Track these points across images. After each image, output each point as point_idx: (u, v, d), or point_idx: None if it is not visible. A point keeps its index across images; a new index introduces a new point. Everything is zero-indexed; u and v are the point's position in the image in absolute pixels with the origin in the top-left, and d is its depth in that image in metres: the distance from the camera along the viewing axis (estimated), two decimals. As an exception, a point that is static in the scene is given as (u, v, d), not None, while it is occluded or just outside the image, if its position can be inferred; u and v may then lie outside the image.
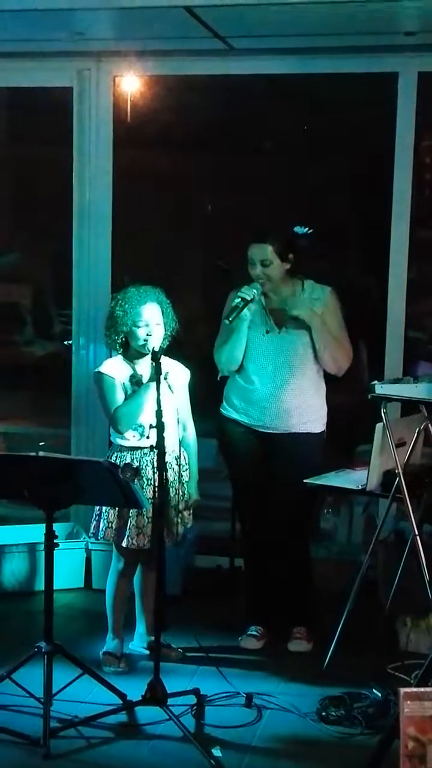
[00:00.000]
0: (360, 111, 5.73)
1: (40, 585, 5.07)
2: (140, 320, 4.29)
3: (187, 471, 4.44)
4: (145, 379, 4.30)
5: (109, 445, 4.51)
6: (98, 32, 5.01)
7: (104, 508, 4.32)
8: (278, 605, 4.75)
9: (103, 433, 5.25)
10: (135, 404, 4.26)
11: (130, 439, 4.32)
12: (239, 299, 4.45)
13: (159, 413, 3.89)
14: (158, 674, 3.85)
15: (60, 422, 5.89)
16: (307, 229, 4.58)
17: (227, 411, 4.67)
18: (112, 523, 4.32)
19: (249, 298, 4.46)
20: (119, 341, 4.36)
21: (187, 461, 4.45)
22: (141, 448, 4.32)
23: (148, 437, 4.19)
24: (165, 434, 3.93)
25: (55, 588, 3.90)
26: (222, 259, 5.25)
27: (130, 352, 4.37)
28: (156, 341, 4.27)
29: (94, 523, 4.38)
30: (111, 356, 4.51)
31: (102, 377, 4.34)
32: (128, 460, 4.28)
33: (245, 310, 4.47)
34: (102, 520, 4.33)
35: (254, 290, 4.48)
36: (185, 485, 4.41)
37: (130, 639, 4.60)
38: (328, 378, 4.68)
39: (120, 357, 4.39)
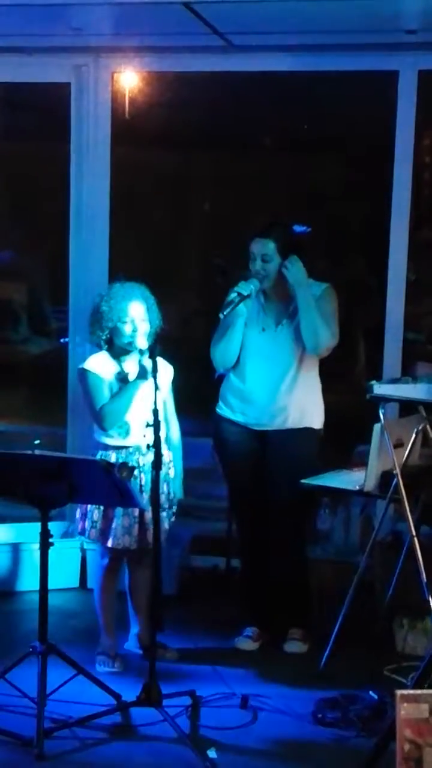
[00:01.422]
0: (360, 109, 5.71)
1: (26, 585, 5.08)
2: (126, 317, 4.26)
3: (172, 469, 4.42)
4: (131, 377, 4.27)
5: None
6: (96, 27, 4.98)
7: (89, 507, 4.29)
8: (275, 606, 4.73)
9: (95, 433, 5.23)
10: (121, 402, 4.24)
11: (115, 437, 4.29)
12: (235, 294, 4.43)
13: (156, 411, 3.86)
14: (153, 675, 3.82)
15: (56, 420, 5.87)
16: (304, 227, 4.57)
17: (223, 410, 4.64)
18: (96, 522, 4.29)
19: (245, 294, 4.43)
20: (104, 338, 4.33)
21: (171, 460, 4.42)
22: (126, 447, 4.29)
23: (144, 435, 4.16)
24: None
25: (49, 587, 3.87)
26: (220, 258, 5.23)
27: (115, 348, 4.34)
28: (141, 338, 4.24)
29: (80, 522, 4.35)
30: (95, 353, 4.46)
31: (87, 374, 4.31)
32: (113, 459, 4.24)
33: (242, 306, 4.45)
34: (87, 520, 4.31)
35: (251, 286, 4.46)
36: (170, 484, 4.38)
37: (124, 639, 4.57)
38: (326, 378, 4.65)
39: (105, 353, 4.36)
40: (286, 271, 4.44)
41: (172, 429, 4.45)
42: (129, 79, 5.64)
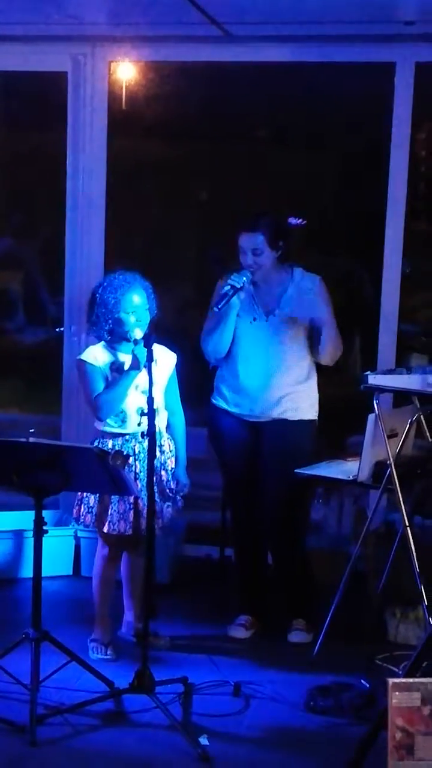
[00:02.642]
0: (357, 101, 5.70)
1: (26, 572, 5.08)
2: (130, 307, 4.26)
3: (172, 458, 4.43)
4: (126, 366, 4.28)
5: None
6: (94, 16, 4.97)
7: (85, 493, 4.30)
8: (268, 595, 4.75)
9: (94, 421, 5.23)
10: (116, 391, 4.25)
11: (112, 425, 4.31)
12: (229, 287, 4.43)
13: (151, 400, 3.87)
14: (146, 662, 3.84)
15: (51, 410, 5.88)
16: (299, 220, 4.57)
17: (217, 401, 4.65)
18: (92, 508, 4.31)
19: (238, 286, 4.43)
20: (107, 328, 4.33)
21: (172, 448, 4.43)
22: (123, 435, 4.30)
23: (139, 423, 4.17)
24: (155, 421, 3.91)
25: (43, 575, 3.88)
26: (215, 248, 5.24)
27: (114, 338, 4.34)
28: (141, 327, 4.25)
29: (76, 508, 4.37)
30: (92, 343, 4.48)
31: (84, 364, 4.32)
32: (110, 446, 4.25)
33: (234, 298, 4.45)
34: (83, 506, 4.32)
35: (243, 278, 4.46)
36: (169, 472, 4.39)
37: (118, 626, 4.59)
38: (321, 369, 4.66)
39: (102, 344, 4.37)
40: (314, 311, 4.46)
41: (177, 417, 4.47)
42: (126, 69, 5.64)
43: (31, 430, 3.76)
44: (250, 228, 4.47)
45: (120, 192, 5.67)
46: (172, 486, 4.41)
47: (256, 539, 4.72)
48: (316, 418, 4.64)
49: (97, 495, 4.28)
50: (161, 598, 4.66)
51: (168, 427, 4.44)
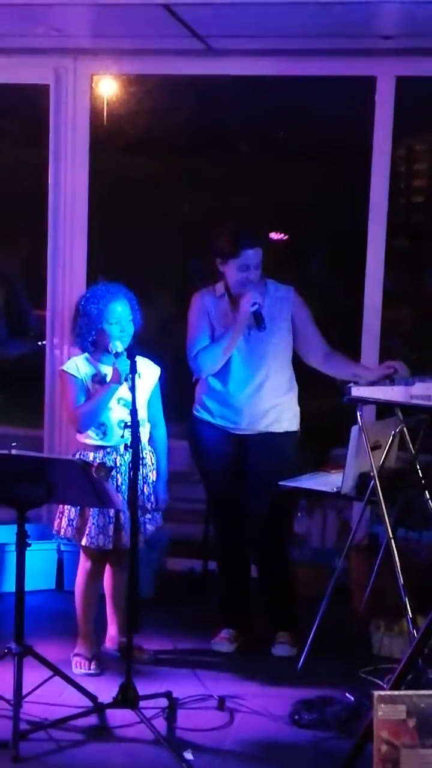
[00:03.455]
0: (338, 116, 5.73)
1: (8, 586, 5.04)
2: (113, 318, 4.25)
3: (154, 471, 4.41)
4: (108, 378, 4.26)
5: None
6: (76, 29, 4.98)
7: (67, 506, 4.28)
8: (252, 608, 4.73)
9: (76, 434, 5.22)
10: (96, 404, 4.23)
11: (94, 437, 4.29)
12: (257, 305, 4.39)
13: (134, 412, 3.85)
14: (130, 676, 3.81)
15: (33, 423, 5.85)
16: (281, 234, 4.57)
17: (200, 413, 4.63)
18: (73, 521, 4.28)
19: (260, 300, 4.42)
20: (90, 339, 4.31)
21: (153, 461, 4.42)
22: (105, 447, 4.29)
23: (123, 435, 4.15)
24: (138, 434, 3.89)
25: (26, 589, 3.84)
26: (198, 258, 5.23)
27: (98, 350, 4.33)
28: (125, 339, 4.23)
29: (57, 520, 4.34)
30: (74, 355, 4.46)
31: (66, 375, 4.30)
32: (92, 459, 4.24)
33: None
34: (64, 518, 4.30)
35: (256, 292, 4.45)
36: (150, 486, 4.38)
37: (101, 641, 4.56)
38: (302, 381, 4.66)
39: (84, 355, 4.35)
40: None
41: (159, 430, 4.45)
42: (108, 82, 5.66)
43: (13, 444, 3.72)
44: (254, 244, 4.45)
45: (101, 204, 5.66)
46: (152, 500, 4.39)
47: (240, 552, 4.70)
48: (298, 429, 4.65)
49: (78, 508, 4.25)
50: (144, 612, 4.63)
51: (150, 440, 4.43)
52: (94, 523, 4.24)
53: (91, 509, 4.21)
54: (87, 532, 4.25)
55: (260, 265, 4.46)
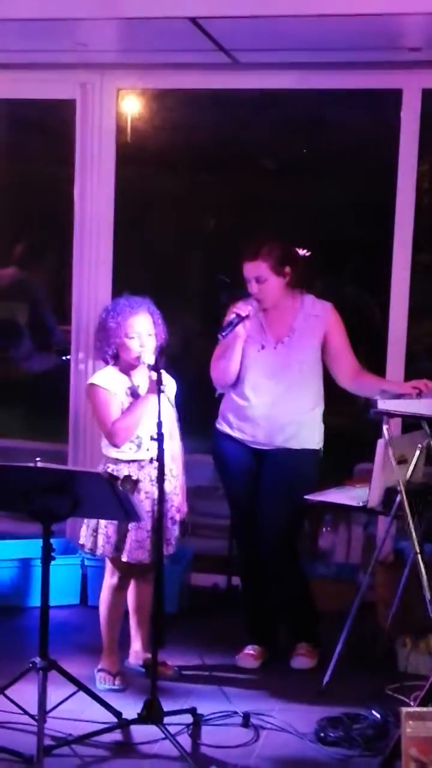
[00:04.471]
0: (364, 128, 5.72)
1: (33, 600, 5.04)
2: (132, 332, 4.24)
3: (177, 486, 4.39)
4: (141, 391, 4.24)
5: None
6: (102, 44, 5.00)
7: (102, 523, 4.25)
8: (277, 624, 4.70)
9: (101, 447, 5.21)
10: (134, 417, 4.21)
11: (127, 451, 4.27)
12: (234, 315, 4.41)
13: (160, 424, 3.83)
14: (155, 692, 3.78)
15: (57, 438, 5.85)
16: (305, 250, 4.55)
17: (221, 426, 4.62)
18: (111, 538, 4.25)
19: (244, 315, 4.41)
20: (110, 353, 4.30)
21: (176, 474, 4.40)
22: (136, 461, 4.27)
23: (148, 449, 4.14)
24: (165, 446, 3.87)
25: (50, 604, 3.82)
26: (223, 273, 5.22)
27: (122, 363, 4.32)
28: (149, 352, 4.22)
29: (91, 539, 4.29)
30: (100, 368, 4.45)
31: (96, 389, 4.27)
32: (126, 473, 4.21)
33: (240, 327, 4.43)
34: (100, 535, 4.26)
35: (250, 306, 4.44)
36: (177, 498, 4.37)
37: (125, 656, 4.53)
38: (327, 396, 4.63)
39: (113, 368, 4.34)
40: None
41: (175, 443, 4.43)
42: (132, 99, 5.68)
43: (38, 459, 3.71)
44: (251, 256, 4.45)
45: (127, 218, 5.67)
46: (181, 511, 4.38)
47: (263, 567, 4.67)
48: (320, 447, 4.60)
49: (115, 524, 4.22)
50: (168, 628, 4.60)
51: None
52: (133, 538, 4.20)
53: (129, 524, 4.18)
54: (126, 547, 4.22)
55: (266, 278, 4.42)
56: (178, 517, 4.35)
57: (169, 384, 4.35)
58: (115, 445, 4.26)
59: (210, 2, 4.37)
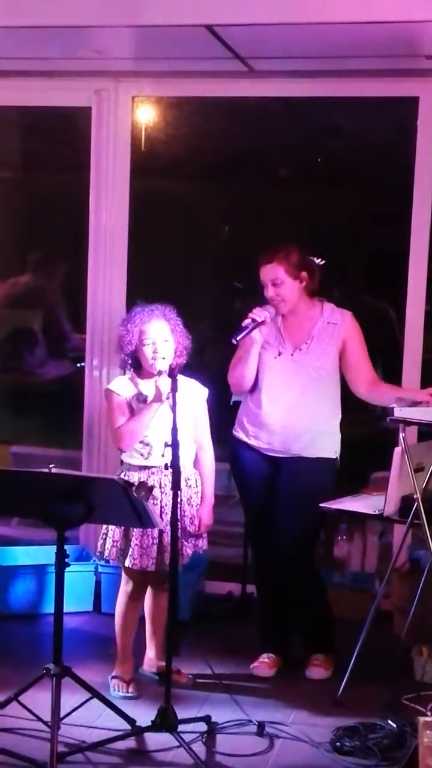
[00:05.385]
0: (379, 137, 5.71)
1: (47, 607, 5.03)
2: (146, 338, 4.24)
3: (198, 493, 4.37)
4: (149, 398, 4.24)
5: (121, 463, 4.46)
6: (117, 51, 5.01)
7: (109, 527, 4.25)
8: (292, 632, 4.68)
9: (116, 455, 5.19)
10: (138, 423, 4.21)
11: (138, 457, 4.27)
12: (250, 320, 4.40)
13: (174, 431, 3.83)
14: (169, 700, 3.77)
15: (71, 444, 5.85)
16: (320, 260, 4.54)
17: (238, 433, 4.61)
18: (117, 542, 4.25)
19: (260, 320, 4.40)
20: (129, 361, 4.32)
21: (198, 484, 4.38)
22: (150, 467, 4.26)
23: (163, 455, 4.13)
24: (180, 453, 3.86)
25: (64, 610, 3.82)
26: (238, 281, 5.22)
27: (137, 370, 4.32)
28: (159, 360, 4.22)
29: (101, 542, 4.31)
30: (116, 376, 4.48)
31: (111, 394, 4.31)
32: (135, 479, 4.21)
33: (256, 333, 4.42)
34: (108, 539, 4.27)
35: (266, 312, 4.43)
36: (193, 508, 4.34)
37: (139, 664, 4.52)
38: (344, 404, 4.61)
39: (129, 375, 4.35)
40: None
41: (206, 452, 4.41)
42: (146, 107, 5.68)
43: (52, 465, 3.71)
44: (267, 259, 4.45)
45: (143, 227, 5.67)
46: (195, 523, 4.35)
47: (278, 576, 4.65)
48: (337, 457, 4.58)
49: (122, 529, 4.22)
50: (183, 635, 4.59)
51: (196, 462, 4.39)
52: (136, 544, 4.20)
53: (135, 530, 4.18)
54: (130, 553, 4.21)
55: (282, 281, 4.41)
56: (191, 529, 4.32)
57: (197, 392, 4.34)
58: (120, 449, 4.29)
59: (226, 10, 4.37)
